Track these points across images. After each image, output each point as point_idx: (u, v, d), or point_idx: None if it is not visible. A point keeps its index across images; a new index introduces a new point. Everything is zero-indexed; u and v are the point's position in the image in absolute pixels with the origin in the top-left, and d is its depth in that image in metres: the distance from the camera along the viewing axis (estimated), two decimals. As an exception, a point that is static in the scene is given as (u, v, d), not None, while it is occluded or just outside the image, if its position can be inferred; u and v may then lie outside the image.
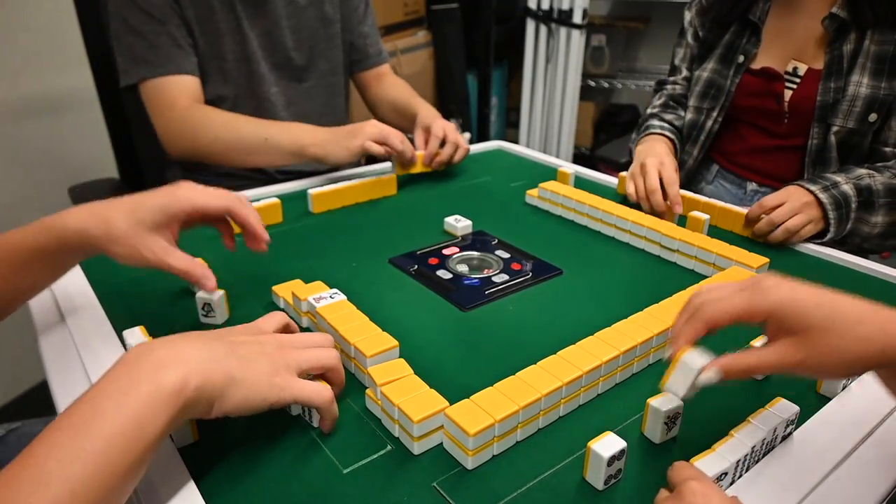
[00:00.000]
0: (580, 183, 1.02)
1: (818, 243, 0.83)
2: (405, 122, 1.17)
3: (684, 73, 1.14)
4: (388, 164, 1.08)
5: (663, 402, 0.48)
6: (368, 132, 0.96)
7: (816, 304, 0.39)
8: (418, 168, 1.04)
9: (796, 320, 0.39)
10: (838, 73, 0.91)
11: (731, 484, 0.44)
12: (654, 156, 0.93)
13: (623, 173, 0.98)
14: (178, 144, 1.03)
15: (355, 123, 0.99)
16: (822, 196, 0.82)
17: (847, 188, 0.84)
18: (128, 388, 0.37)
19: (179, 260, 0.56)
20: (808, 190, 0.83)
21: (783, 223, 0.80)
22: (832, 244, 0.84)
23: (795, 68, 0.97)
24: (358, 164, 1.16)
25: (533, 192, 0.95)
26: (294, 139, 0.98)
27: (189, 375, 0.39)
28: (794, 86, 0.97)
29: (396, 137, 0.97)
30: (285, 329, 0.52)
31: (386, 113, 1.25)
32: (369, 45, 1.25)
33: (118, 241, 0.53)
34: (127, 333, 0.57)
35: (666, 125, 1.11)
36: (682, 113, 1.13)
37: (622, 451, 0.44)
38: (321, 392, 0.46)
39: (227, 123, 1.01)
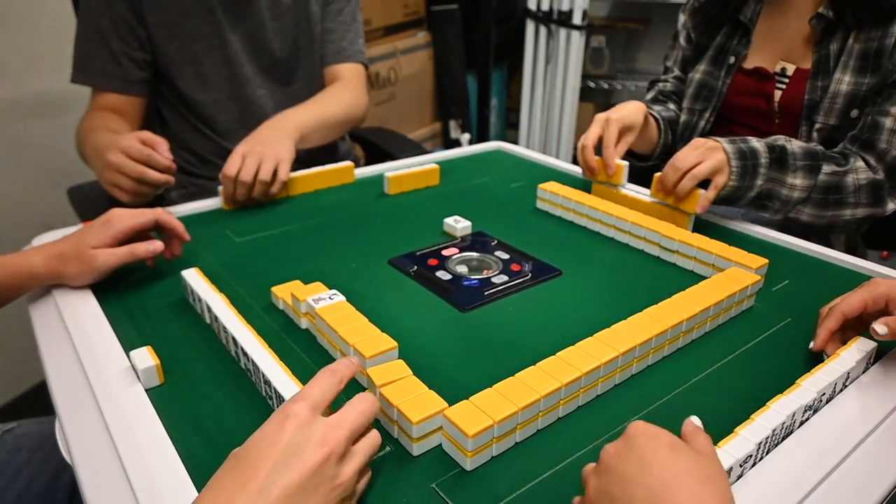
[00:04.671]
0: (579, 183, 1.02)
1: (723, 204, 0.85)
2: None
3: (675, 73, 1.15)
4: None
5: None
6: (106, 178, 0.82)
7: None
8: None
9: None
10: (825, 73, 0.91)
11: (738, 479, 0.44)
12: (607, 112, 0.93)
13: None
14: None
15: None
16: (728, 146, 0.82)
17: (757, 144, 0.84)
18: None
19: (124, 252, 0.66)
20: (714, 140, 0.84)
21: (690, 170, 0.80)
22: (782, 224, 0.83)
23: (784, 69, 0.96)
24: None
25: (540, 188, 0.95)
26: (98, 152, 0.85)
27: None
28: (784, 86, 0.97)
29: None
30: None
31: None
32: (329, 41, 1.15)
33: (75, 275, 0.66)
34: (133, 354, 0.55)
35: (653, 108, 1.12)
36: (672, 106, 1.13)
37: None
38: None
39: (84, 139, 0.95)
